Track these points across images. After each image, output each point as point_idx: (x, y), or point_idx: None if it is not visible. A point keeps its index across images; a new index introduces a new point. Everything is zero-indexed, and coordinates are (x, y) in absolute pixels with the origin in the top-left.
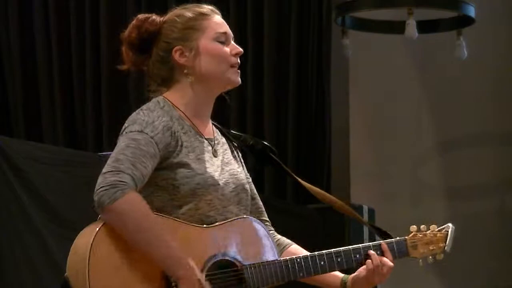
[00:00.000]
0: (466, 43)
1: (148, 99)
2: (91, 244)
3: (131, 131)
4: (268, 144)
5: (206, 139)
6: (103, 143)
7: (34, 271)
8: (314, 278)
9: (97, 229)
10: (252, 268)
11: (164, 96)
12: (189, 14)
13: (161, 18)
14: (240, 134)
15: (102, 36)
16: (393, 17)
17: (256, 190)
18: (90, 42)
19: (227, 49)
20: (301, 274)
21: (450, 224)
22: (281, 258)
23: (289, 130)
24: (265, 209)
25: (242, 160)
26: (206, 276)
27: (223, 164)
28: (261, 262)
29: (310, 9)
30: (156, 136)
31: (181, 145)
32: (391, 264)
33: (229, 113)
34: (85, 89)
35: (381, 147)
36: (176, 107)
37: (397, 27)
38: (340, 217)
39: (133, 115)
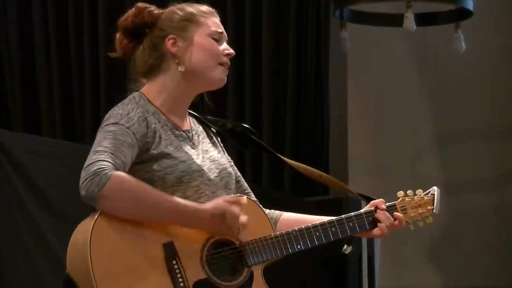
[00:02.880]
0: (464, 36)
1: (128, 91)
2: (90, 235)
3: (106, 125)
4: (247, 126)
5: (183, 131)
6: None
7: (33, 266)
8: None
9: (94, 220)
10: (251, 245)
11: (140, 92)
12: (190, 9)
13: (160, 11)
14: (218, 119)
15: (100, 31)
16: (391, 10)
17: (254, 182)
18: (88, 38)
19: (220, 48)
20: (298, 247)
21: (435, 187)
22: (278, 233)
23: (287, 125)
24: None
25: (222, 145)
26: (206, 256)
27: (203, 153)
28: (259, 238)
29: (309, 2)
30: (132, 127)
31: (160, 137)
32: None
33: (226, 107)
34: (83, 82)
35: (379, 142)
36: (152, 103)
37: (396, 20)
38: (338, 209)
39: (109, 112)
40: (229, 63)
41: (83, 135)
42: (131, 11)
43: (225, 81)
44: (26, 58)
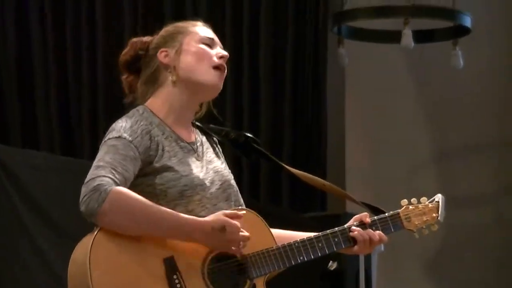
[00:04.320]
0: (462, 53)
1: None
2: (89, 252)
3: (109, 138)
4: (250, 135)
5: (188, 143)
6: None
7: (30, 280)
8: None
9: (93, 237)
10: (253, 257)
11: (145, 105)
12: (180, 23)
13: (151, 38)
14: (222, 128)
15: (99, 44)
16: (390, 27)
17: (251, 197)
18: (86, 50)
19: (211, 51)
20: (301, 258)
21: (439, 195)
22: (280, 245)
23: (285, 138)
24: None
25: (223, 155)
26: (208, 270)
27: (207, 163)
28: (261, 251)
29: (307, 18)
30: (135, 140)
31: (163, 150)
32: (376, 236)
33: (225, 121)
34: (81, 97)
35: (377, 155)
36: (156, 115)
37: (393, 37)
38: (335, 225)
39: (113, 124)
40: (225, 66)
41: (81, 149)
42: (126, 48)
43: (220, 87)
44: (24, 72)
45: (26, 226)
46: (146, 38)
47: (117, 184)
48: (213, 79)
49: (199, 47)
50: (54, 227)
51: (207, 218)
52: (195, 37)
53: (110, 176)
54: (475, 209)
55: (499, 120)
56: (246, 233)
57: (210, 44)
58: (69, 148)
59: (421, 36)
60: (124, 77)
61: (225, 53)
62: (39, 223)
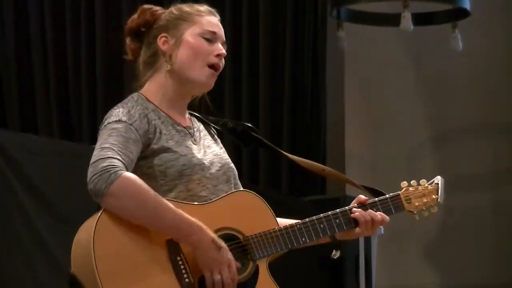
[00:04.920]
0: (461, 36)
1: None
2: (93, 234)
3: (109, 123)
4: (249, 124)
5: (184, 127)
6: (97, 136)
7: (30, 265)
8: None
9: (97, 219)
10: (255, 239)
11: (139, 92)
12: (186, 8)
13: (163, 11)
14: (219, 118)
15: (97, 28)
16: (389, 10)
17: (251, 181)
18: (85, 34)
19: (210, 48)
20: (303, 240)
21: (439, 177)
22: (282, 226)
23: (284, 124)
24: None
25: (221, 143)
26: None
27: (205, 147)
28: (263, 232)
29: (306, 1)
30: (134, 123)
31: (160, 132)
32: (378, 216)
33: (223, 100)
34: (80, 81)
35: (376, 140)
36: (150, 101)
37: (393, 20)
38: (335, 208)
39: (109, 111)
40: (221, 65)
41: (80, 133)
42: (135, 13)
43: (211, 85)
44: (22, 57)
45: (26, 210)
46: (157, 9)
47: (125, 166)
48: (204, 79)
49: (198, 41)
50: (53, 212)
51: (212, 232)
52: (197, 29)
53: (118, 157)
54: (473, 192)
55: (498, 104)
56: (235, 271)
57: (211, 38)
58: (68, 132)
59: (420, 19)
60: (128, 42)
61: (223, 51)
62: (38, 208)
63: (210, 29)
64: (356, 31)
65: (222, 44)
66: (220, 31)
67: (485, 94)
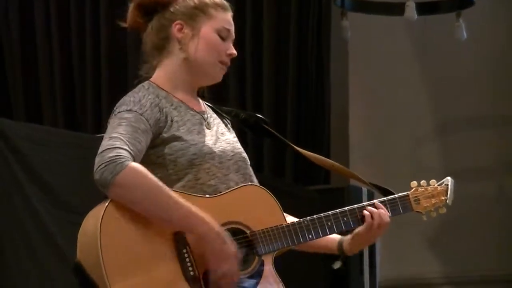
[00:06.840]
0: (465, 25)
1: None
2: (100, 223)
3: (119, 112)
4: (260, 116)
5: (197, 112)
6: (101, 125)
7: (34, 255)
8: (311, 244)
9: (104, 208)
10: (262, 234)
11: (149, 81)
12: (207, 0)
13: None
14: (231, 109)
15: (102, 18)
16: None
17: (256, 170)
18: (90, 24)
19: (224, 46)
20: (310, 236)
21: (449, 178)
22: (289, 222)
23: (288, 114)
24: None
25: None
26: None
27: (218, 134)
28: (270, 227)
29: None
30: (145, 113)
31: (171, 120)
32: (387, 217)
33: (228, 92)
34: (84, 71)
35: (381, 130)
36: (162, 88)
37: (397, 9)
38: (339, 198)
39: (121, 100)
40: (229, 63)
41: (85, 124)
42: None
43: (220, 80)
44: (27, 47)
45: (30, 199)
46: None
47: (133, 157)
48: (216, 73)
49: (216, 38)
50: (57, 201)
51: (218, 226)
52: (215, 25)
53: (126, 148)
54: (478, 182)
55: (503, 94)
56: (237, 271)
57: (225, 36)
58: (73, 122)
59: (424, 8)
60: (134, 14)
61: (234, 52)
62: (42, 197)
63: (227, 26)
64: (361, 22)
65: (232, 43)
66: (233, 28)
67: (490, 85)
